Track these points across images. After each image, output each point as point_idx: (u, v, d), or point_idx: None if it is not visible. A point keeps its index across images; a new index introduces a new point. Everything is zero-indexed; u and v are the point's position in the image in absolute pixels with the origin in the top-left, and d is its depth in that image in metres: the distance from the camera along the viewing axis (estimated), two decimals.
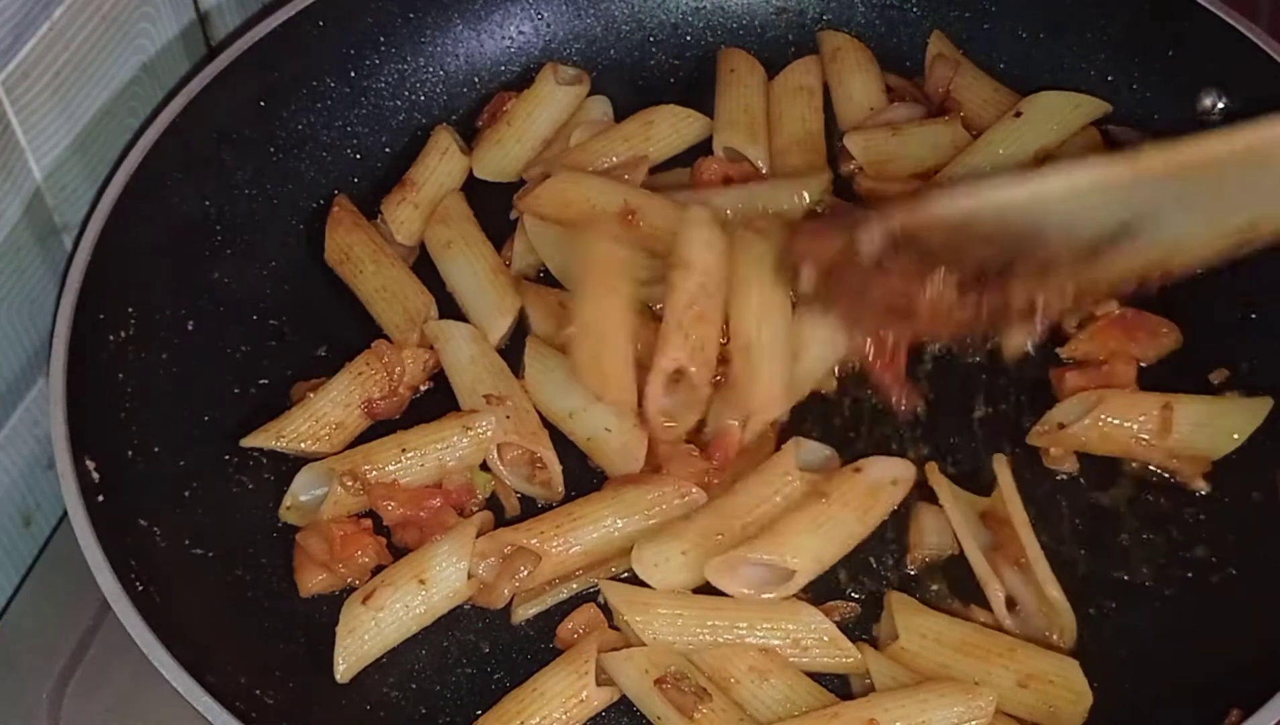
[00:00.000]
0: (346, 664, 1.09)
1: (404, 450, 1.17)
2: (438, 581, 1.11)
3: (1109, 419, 1.18)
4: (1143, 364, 1.24)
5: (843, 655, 1.09)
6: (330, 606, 1.14)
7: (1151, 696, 1.08)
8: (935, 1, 1.45)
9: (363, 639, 1.10)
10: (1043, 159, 1.32)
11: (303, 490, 1.18)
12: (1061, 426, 1.19)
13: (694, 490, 1.15)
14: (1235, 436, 1.19)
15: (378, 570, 1.14)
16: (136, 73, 1.29)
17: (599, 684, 1.07)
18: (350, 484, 1.15)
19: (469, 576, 1.12)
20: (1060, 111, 1.33)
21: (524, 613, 1.13)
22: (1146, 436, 1.18)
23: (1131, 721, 1.07)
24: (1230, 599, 1.12)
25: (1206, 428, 1.19)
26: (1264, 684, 1.00)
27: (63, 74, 1.18)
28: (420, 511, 1.16)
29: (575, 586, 1.15)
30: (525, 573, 1.12)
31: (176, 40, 1.34)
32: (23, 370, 1.20)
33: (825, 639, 1.09)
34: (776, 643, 1.09)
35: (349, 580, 1.15)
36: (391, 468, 1.16)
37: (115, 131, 1.27)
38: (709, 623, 1.09)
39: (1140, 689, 1.09)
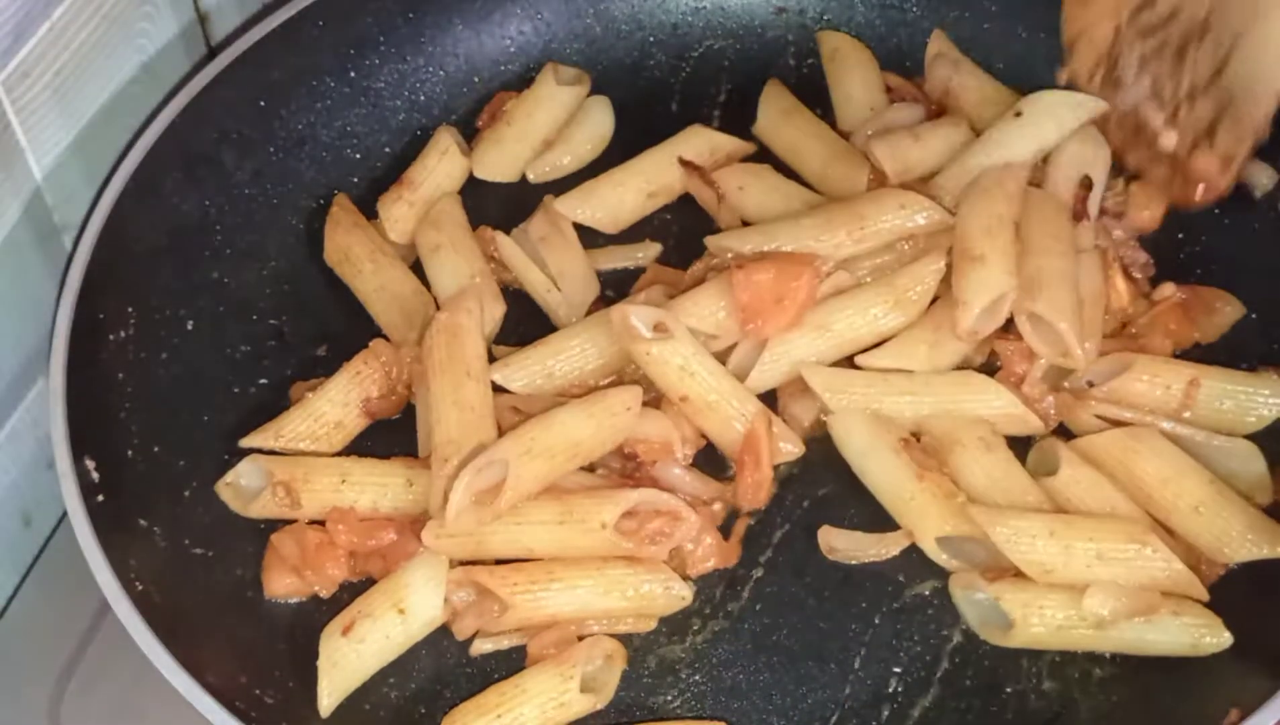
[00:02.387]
0: (331, 698, 1.08)
1: (344, 480, 1.15)
2: (416, 611, 1.10)
3: (1136, 383, 1.19)
4: (1202, 342, 1.26)
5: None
6: (331, 607, 1.14)
7: (1151, 696, 1.09)
8: (935, 1, 1.45)
9: (346, 672, 1.09)
10: (1044, 159, 1.32)
11: (245, 476, 1.17)
12: (1090, 385, 1.20)
13: (683, 588, 1.12)
14: (1256, 417, 1.19)
15: (346, 584, 1.14)
16: (136, 73, 1.29)
17: (582, 691, 1.07)
18: (282, 495, 1.14)
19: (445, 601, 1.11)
20: (1060, 111, 1.33)
21: (481, 647, 1.12)
22: (1169, 407, 1.18)
23: (1131, 720, 1.08)
24: (1230, 599, 1.12)
25: (1230, 405, 1.19)
26: (1264, 684, 1.00)
27: (63, 74, 1.18)
28: (370, 540, 1.14)
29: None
30: (495, 613, 1.10)
31: (176, 40, 1.34)
32: (23, 370, 1.20)
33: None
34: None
35: (315, 589, 1.14)
36: (326, 493, 1.15)
37: (115, 131, 1.27)
38: (906, 395, 1.18)
39: (1140, 689, 1.09)
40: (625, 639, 1.12)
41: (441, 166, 1.36)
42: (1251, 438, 1.18)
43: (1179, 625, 1.08)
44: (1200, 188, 1.23)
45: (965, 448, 1.16)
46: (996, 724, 1.09)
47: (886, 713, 1.09)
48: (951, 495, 1.14)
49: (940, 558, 1.13)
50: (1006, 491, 1.14)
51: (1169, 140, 1.23)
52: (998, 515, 1.11)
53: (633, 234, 1.34)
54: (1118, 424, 1.18)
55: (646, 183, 1.35)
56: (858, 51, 1.43)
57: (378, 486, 1.15)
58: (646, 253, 1.33)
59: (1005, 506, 1.13)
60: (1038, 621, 1.09)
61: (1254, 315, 1.26)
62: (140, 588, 1.05)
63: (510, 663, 1.12)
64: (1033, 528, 1.10)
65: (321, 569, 1.13)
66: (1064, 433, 1.20)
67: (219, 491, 1.17)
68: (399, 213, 1.33)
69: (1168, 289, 1.27)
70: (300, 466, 1.16)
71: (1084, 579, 1.09)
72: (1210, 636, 1.08)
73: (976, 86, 1.40)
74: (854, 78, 1.42)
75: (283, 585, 1.14)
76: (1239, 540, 1.11)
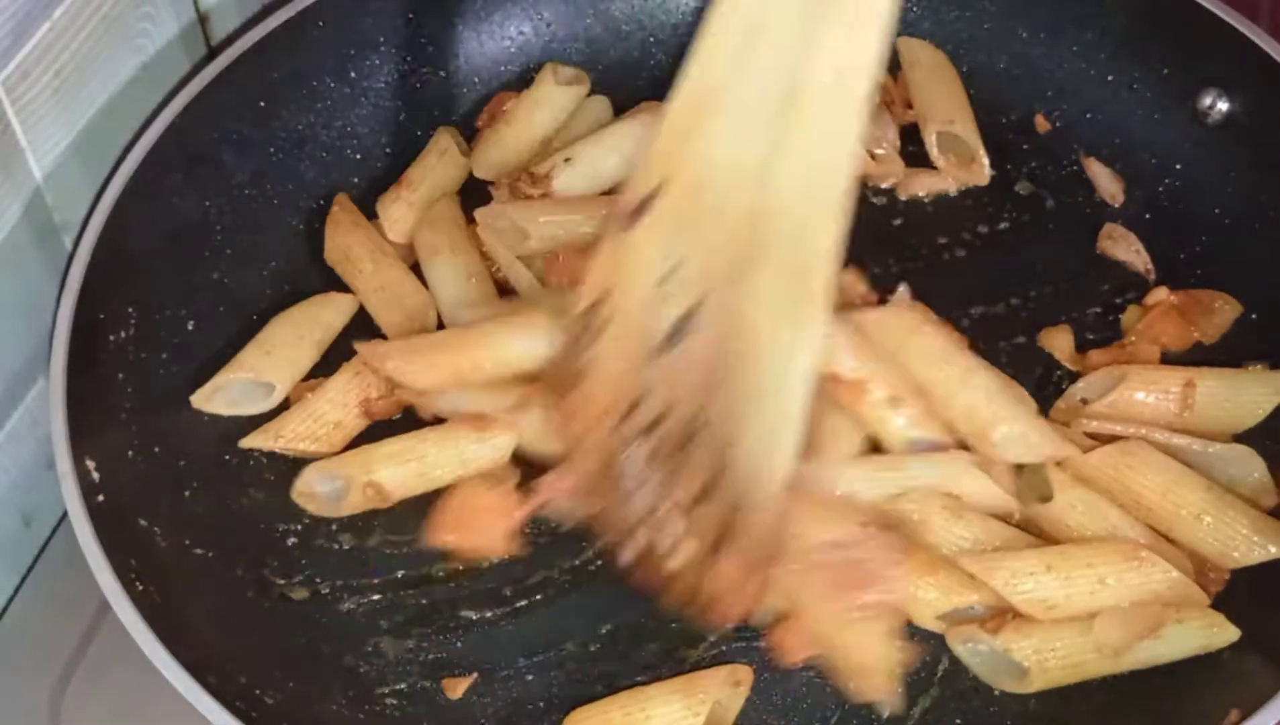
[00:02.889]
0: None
1: (422, 460, 1.17)
2: None
3: (1133, 395, 1.18)
4: (1205, 342, 1.26)
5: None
6: (329, 607, 1.14)
7: (1151, 696, 1.09)
8: (935, 1, 1.45)
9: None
10: None
11: (316, 483, 1.19)
12: (1084, 402, 1.20)
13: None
14: (1258, 411, 1.19)
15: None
16: (136, 73, 1.29)
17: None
18: (372, 494, 1.17)
19: None
20: None
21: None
22: (1168, 412, 1.18)
23: (1131, 721, 1.08)
24: (1230, 600, 1.12)
25: (1228, 403, 1.19)
26: (1264, 684, 1.00)
27: (63, 74, 1.18)
28: None
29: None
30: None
31: (176, 40, 1.34)
32: (23, 370, 1.20)
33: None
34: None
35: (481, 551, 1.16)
36: (412, 480, 1.17)
37: (115, 131, 1.27)
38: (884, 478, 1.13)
39: (1140, 689, 1.09)
40: (626, 644, 1.13)
41: (441, 167, 1.35)
42: (1249, 442, 1.18)
43: (1187, 632, 1.07)
44: (725, 604, 1.06)
45: (933, 525, 1.12)
46: (996, 724, 1.09)
47: (887, 713, 1.09)
48: (933, 568, 1.10)
49: (941, 627, 1.11)
50: (994, 545, 1.11)
51: (677, 559, 1.06)
52: (993, 561, 1.09)
53: None
54: (1107, 440, 1.16)
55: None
56: None
57: (454, 456, 1.17)
58: None
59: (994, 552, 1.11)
60: (1053, 664, 1.07)
61: (1254, 315, 1.27)
62: (140, 588, 1.05)
63: (513, 664, 1.12)
64: (1029, 565, 1.08)
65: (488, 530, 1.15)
66: None
67: (297, 501, 1.18)
68: (397, 213, 1.33)
69: (1160, 293, 1.27)
70: (368, 460, 1.17)
71: (1089, 608, 1.07)
72: (1219, 634, 1.08)
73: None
74: None
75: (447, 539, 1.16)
76: (1246, 543, 1.11)
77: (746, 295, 0.99)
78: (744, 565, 1.04)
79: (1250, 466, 1.16)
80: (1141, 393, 1.18)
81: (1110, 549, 1.09)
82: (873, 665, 1.05)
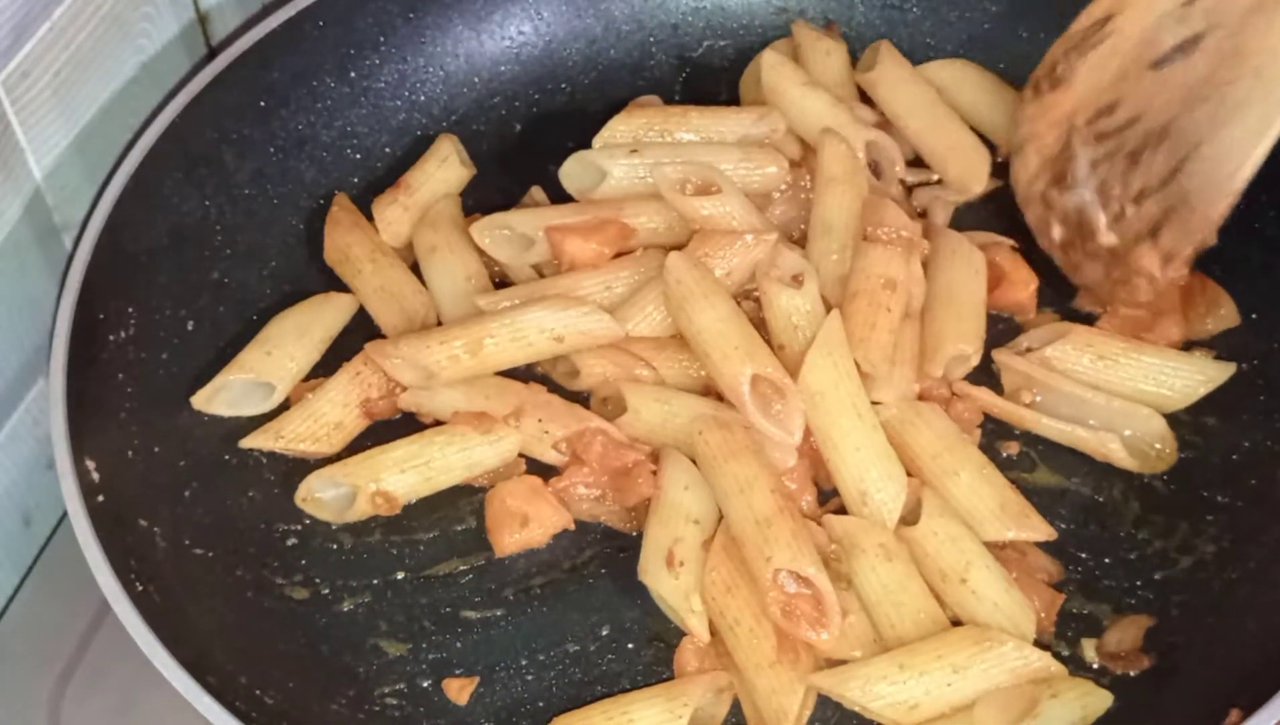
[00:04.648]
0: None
1: (428, 465, 1.18)
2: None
3: (1067, 350, 1.21)
4: (1190, 339, 1.26)
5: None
6: (329, 607, 1.14)
7: (1151, 696, 1.09)
8: (935, 1, 1.45)
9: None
10: None
11: (318, 489, 1.18)
12: (1029, 349, 1.23)
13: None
14: (1190, 394, 1.21)
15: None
16: (136, 73, 1.29)
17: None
18: (380, 502, 1.17)
19: None
20: None
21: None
22: (1098, 378, 1.21)
23: (1132, 721, 1.07)
24: (1230, 599, 1.12)
25: (1162, 381, 1.21)
26: (1264, 684, 1.00)
27: (63, 74, 1.18)
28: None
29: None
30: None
31: (176, 40, 1.34)
32: (23, 370, 1.20)
33: None
34: None
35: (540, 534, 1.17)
36: (419, 484, 1.18)
37: (115, 131, 1.27)
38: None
39: (1140, 689, 1.09)
40: (626, 645, 1.13)
41: (439, 174, 1.35)
42: (1234, 454, 1.19)
43: (1063, 706, 1.05)
44: (1141, 283, 1.22)
45: (865, 553, 1.10)
46: None
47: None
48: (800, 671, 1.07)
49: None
50: (898, 604, 1.09)
51: (1109, 239, 1.22)
52: (842, 675, 1.06)
53: None
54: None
55: None
56: (830, 43, 1.42)
57: (461, 459, 1.18)
58: None
59: (862, 653, 1.09)
60: None
61: (1254, 315, 1.27)
62: (140, 588, 1.05)
63: (511, 664, 1.12)
64: (880, 670, 1.06)
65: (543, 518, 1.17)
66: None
67: (301, 507, 1.18)
68: (393, 216, 1.32)
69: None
70: (375, 466, 1.17)
71: (950, 702, 1.05)
72: (1094, 702, 1.07)
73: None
74: (828, 62, 1.41)
75: (512, 541, 1.16)
76: (990, 519, 1.13)
77: (1260, 28, 1.11)
78: (1168, 251, 1.19)
79: (1150, 426, 1.19)
80: (1074, 351, 1.21)
81: (957, 637, 1.08)
82: (776, 716, 1.05)
